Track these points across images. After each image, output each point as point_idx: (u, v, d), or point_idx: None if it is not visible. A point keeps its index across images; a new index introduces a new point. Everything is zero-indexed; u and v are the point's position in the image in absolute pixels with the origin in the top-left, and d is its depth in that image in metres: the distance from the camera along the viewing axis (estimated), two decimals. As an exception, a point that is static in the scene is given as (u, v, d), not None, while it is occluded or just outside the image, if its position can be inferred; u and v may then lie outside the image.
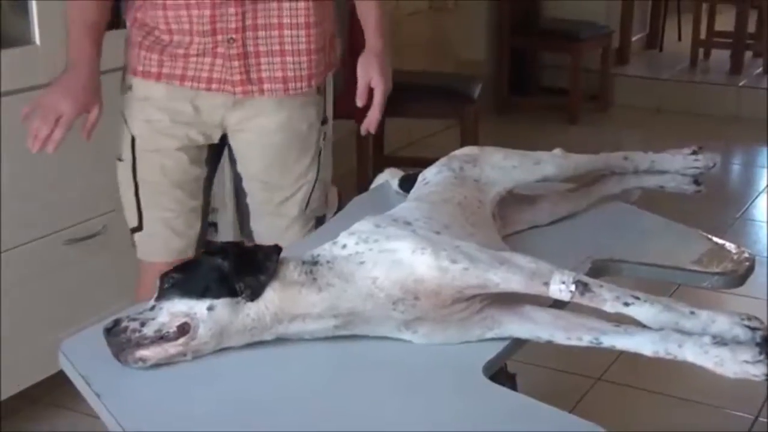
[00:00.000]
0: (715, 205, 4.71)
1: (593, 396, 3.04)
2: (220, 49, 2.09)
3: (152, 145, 2.20)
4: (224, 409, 1.47)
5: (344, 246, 1.60)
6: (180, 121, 2.17)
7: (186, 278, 1.57)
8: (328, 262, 1.59)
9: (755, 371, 1.43)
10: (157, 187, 2.23)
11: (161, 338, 1.53)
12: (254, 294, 1.55)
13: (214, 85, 2.13)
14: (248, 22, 2.08)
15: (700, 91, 6.44)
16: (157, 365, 1.55)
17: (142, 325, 1.54)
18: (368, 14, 2.23)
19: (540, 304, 1.62)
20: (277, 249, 1.60)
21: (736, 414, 2.96)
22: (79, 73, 2.12)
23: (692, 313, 1.51)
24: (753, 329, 1.46)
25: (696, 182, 2.14)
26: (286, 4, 2.10)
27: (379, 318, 1.59)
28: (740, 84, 6.44)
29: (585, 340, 1.57)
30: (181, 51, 2.11)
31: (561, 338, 1.59)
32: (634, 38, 7.01)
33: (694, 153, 2.13)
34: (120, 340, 1.54)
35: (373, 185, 2.31)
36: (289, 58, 2.14)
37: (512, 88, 6.28)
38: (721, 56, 6.83)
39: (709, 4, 6.94)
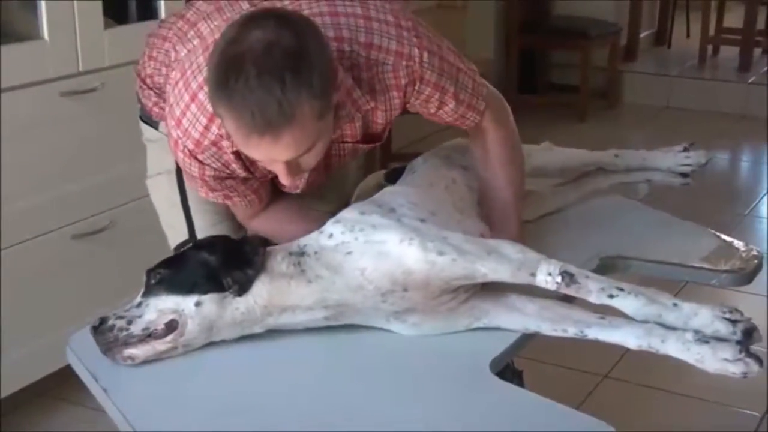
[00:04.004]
0: (722, 202, 4.70)
1: (600, 393, 3.04)
2: None
3: None
4: (229, 404, 1.47)
5: (330, 235, 1.60)
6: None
7: (173, 274, 1.56)
8: (315, 252, 1.59)
9: (734, 369, 1.46)
10: None
11: (149, 336, 1.53)
12: (242, 289, 1.55)
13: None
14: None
15: (708, 88, 6.41)
16: (158, 360, 1.55)
17: (129, 323, 1.53)
18: (493, 207, 1.91)
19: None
20: (263, 242, 1.60)
21: (743, 412, 2.95)
22: None
23: (675, 305, 1.53)
24: (734, 322, 1.48)
25: (683, 175, 2.14)
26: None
27: (368, 309, 1.60)
28: (749, 81, 6.41)
29: (570, 332, 1.60)
30: None
31: (547, 329, 1.61)
32: (642, 35, 6.98)
33: (685, 150, 2.14)
34: (107, 339, 1.53)
35: (357, 191, 2.26)
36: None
37: (521, 86, 6.26)
38: (729, 53, 6.80)
39: (718, 0, 6.91)
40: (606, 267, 1.85)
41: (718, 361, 1.46)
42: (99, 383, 1.53)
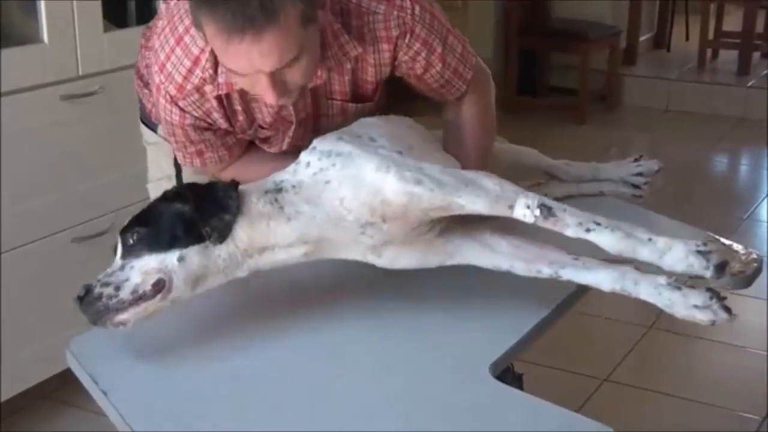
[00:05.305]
0: (722, 205, 4.70)
1: (600, 396, 3.04)
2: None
3: None
4: (230, 406, 1.47)
5: (308, 164, 1.59)
6: None
7: (150, 231, 1.53)
8: (293, 186, 1.58)
9: (702, 317, 1.47)
10: None
11: (139, 299, 1.51)
12: (222, 236, 1.53)
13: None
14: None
15: (707, 91, 6.42)
16: (159, 362, 1.55)
17: (117, 289, 1.51)
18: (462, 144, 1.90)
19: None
20: (234, 184, 1.57)
21: (743, 415, 2.95)
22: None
23: (650, 240, 1.53)
24: (707, 255, 1.49)
25: (635, 186, 2.16)
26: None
27: (347, 243, 1.60)
28: (748, 84, 6.42)
29: (545, 272, 1.60)
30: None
31: (521, 269, 1.61)
32: (641, 38, 6.99)
33: (636, 160, 2.16)
34: (97, 309, 1.51)
35: None
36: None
37: (520, 88, 6.26)
38: (728, 56, 6.81)
39: (717, 4, 6.92)
40: (606, 270, 1.84)
41: (687, 308, 1.48)
42: (99, 386, 1.53)
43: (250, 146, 1.87)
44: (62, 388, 2.86)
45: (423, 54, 1.76)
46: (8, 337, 2.76)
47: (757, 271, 1.87)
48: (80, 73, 2.85)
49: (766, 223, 4.58)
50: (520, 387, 2.03)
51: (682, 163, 5.16)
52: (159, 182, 2.05)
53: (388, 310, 1.71)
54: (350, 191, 1.55)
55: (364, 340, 1.64)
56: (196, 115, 1.72)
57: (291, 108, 1.76)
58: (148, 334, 1.69)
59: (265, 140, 1.84)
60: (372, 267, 1.84)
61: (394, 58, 1.75)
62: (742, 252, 1.92)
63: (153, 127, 2.03)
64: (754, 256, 1.90)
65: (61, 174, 2.85)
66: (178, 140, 1.78)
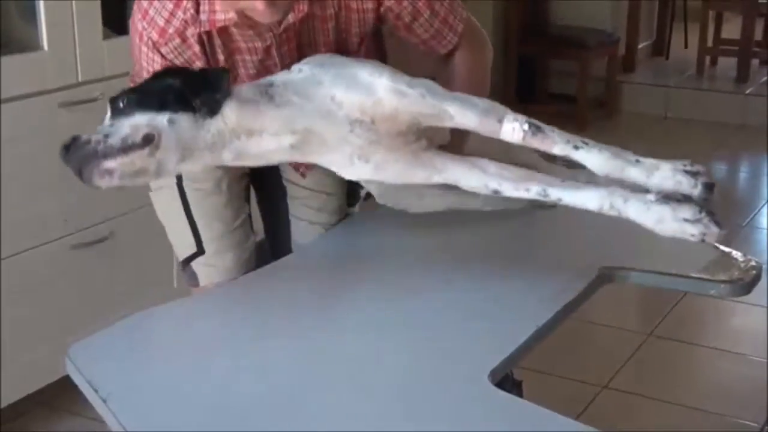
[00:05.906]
0: (721, 212, 4.69)
1: (599, 404, 3.03)
2: None
3: None
4: (231, 415, 1.47)
5: (300, 70, 1.63)
6: None
7: (141, 96, 1.54)
8: (284, 83, 1.60)
9: (693, 230, 1.46)
10: (212, 200, 1.99)
11: (128, 148, 1.50)
12: (211, 111, 1.54)
13: None
14: None
15: (706, 98, 6.42)
16: (158, 369, 1.55)
17: (106, 137, 1.50)
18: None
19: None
20: (226, 69, 1.61)
21: (742, 422, 2.95)
22: None
23: (638, 161, 1.54)
24: (695, 175, 1.49)
25: None
26: None
27: (335, 141, 1.60)
28: (747, 92, 6.42)
29: (533, 191, 1.59)
30: None
31: (509, 189, 1.61)
32: (640, 45, 6.99)
33: None
34: (86, 152, 1.50)
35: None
36: None
37: (520, 95, 6.27)
38: (727, 64, 6.82)
39: (716, 11, 6.93)
40: (605, 277, 1.85)
41: (678, 222, 1.47)
42: (98, 393, 1.53)
43: None
44: (61, 395, 2.86)
45: None
46: (8, 344, 2.75)
47: (756, 278, 1.87)
48: (80, 80, 2.85)
49: (765, 231, 4.58)
50: (520, 394, 2.03)
51: (681, 170, 5.16)
52: (160, 190, 2.04)
53: (387, 316, 1.71)
54: (342, 90, 1.58)
55: (362, 344, 1.64)
56: (177, 63, 1.74)
57: (276, 57, 1.78)
58: (148, 340, 1.69)
59: None
60: (370, 271, 1.85)
61: (379, 3, 1.77)
62: (741, 259, 1.93)
63: None
64: (753, 263, 1.91)
65: (60, 180, 2.84)
66: None
